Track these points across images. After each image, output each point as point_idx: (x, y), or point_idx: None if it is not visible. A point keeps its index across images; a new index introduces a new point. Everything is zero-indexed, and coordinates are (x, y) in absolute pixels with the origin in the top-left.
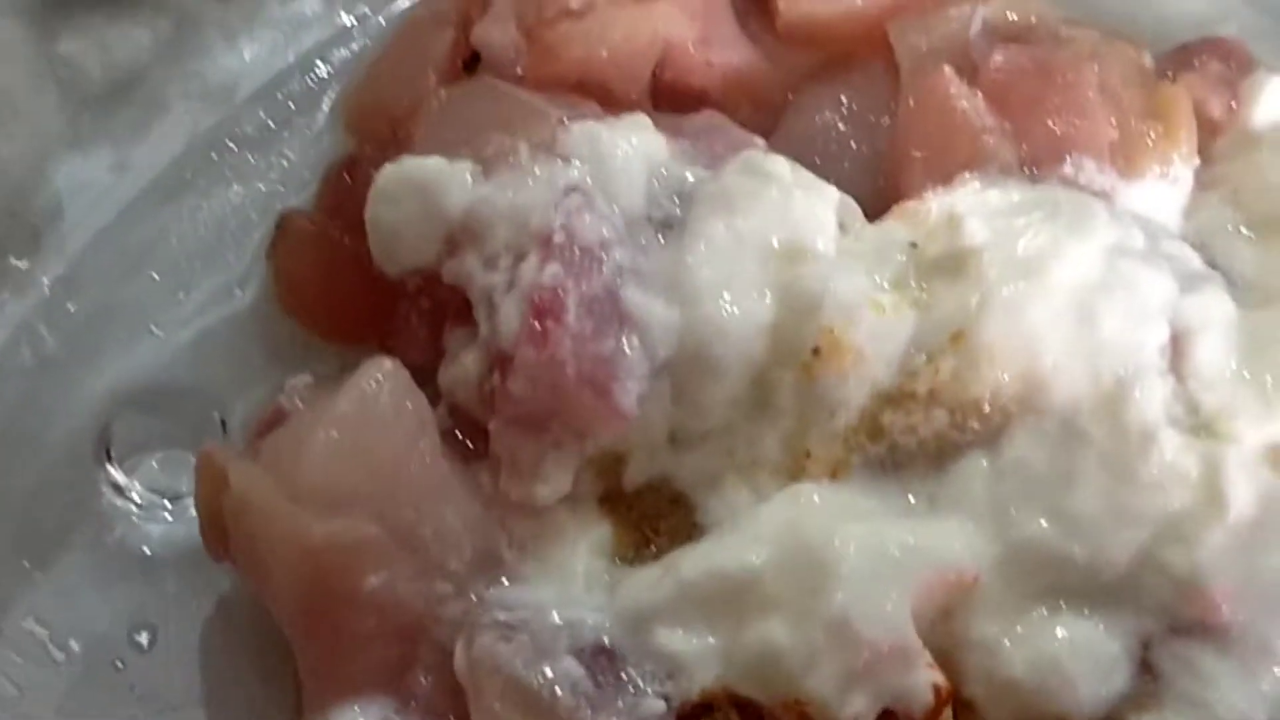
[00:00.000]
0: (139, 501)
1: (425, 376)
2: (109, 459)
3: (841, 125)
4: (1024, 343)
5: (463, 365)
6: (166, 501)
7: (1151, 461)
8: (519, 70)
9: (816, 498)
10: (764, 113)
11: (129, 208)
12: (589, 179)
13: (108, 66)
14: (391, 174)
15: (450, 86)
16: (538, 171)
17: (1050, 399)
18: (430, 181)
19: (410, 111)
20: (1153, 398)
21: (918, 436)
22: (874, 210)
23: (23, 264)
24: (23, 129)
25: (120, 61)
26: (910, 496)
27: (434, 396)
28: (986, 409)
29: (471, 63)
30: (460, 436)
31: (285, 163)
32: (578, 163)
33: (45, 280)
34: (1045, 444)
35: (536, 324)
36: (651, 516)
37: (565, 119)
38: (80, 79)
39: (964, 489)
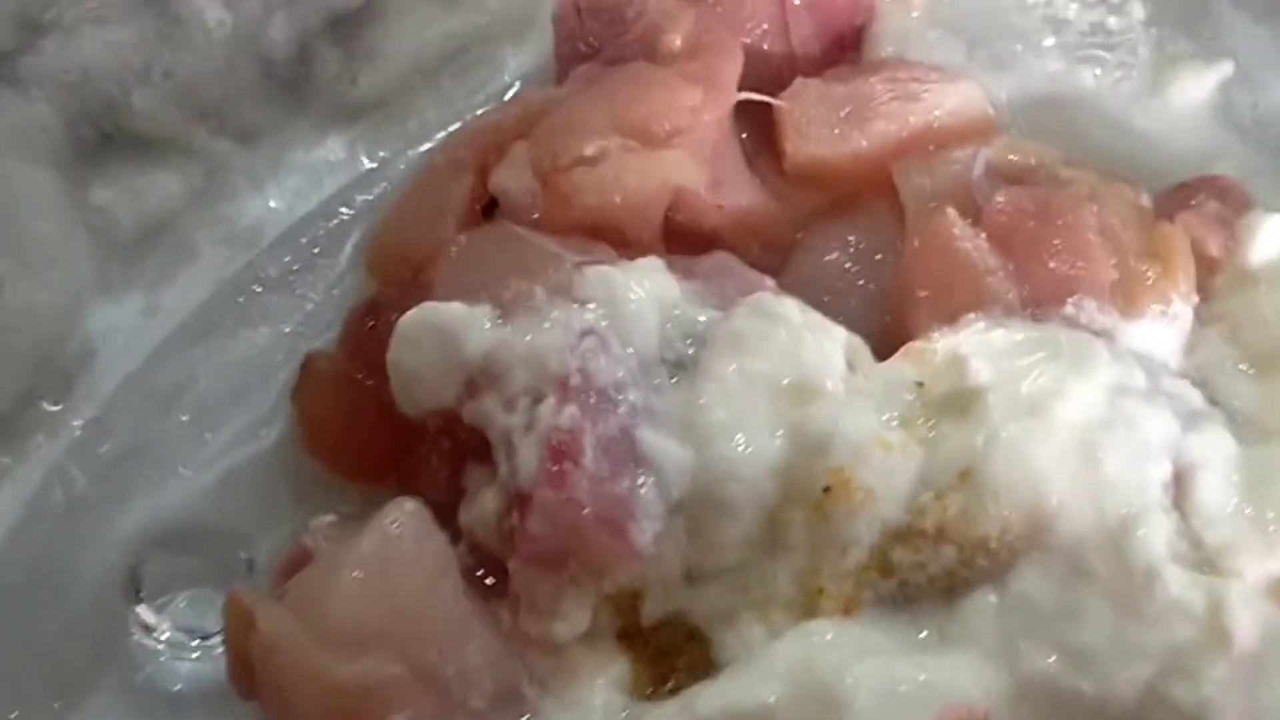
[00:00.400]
0: (167, 640)
1: (446, 515)
2: (138, 599)
3: (849, 264)
4: (1029, 481)
5: (482, 504)
6: (194, 640)
7: (1156, 597)
8: (535, 215)
9: (829, 634)
10: (773, 252)
11: (158, 351)
12: (604, 322)
13: (138, 214)
14: (412, 319)
15: (469, 231)
16: (554, 315)
17: (1056, 536)
18: (450, 326)
19: (430, 256)
20: (1156, 534)
21: (927, 573)
22: (881, 346)
23: (55, 407)
24: (56, 276)
25: (150, 209)
26: (921, 631)
27: (455, 534)
28: (994, 545)
29: (489, 208)
30: (481, 574)
31: (309, 305)
32: (593, 306)
33: (77, 423)
34: (1052, 580)
35: (554, 465)
36: (669, 652)
37: (580, 263)
38: (111, 226)
39: (973, 624)
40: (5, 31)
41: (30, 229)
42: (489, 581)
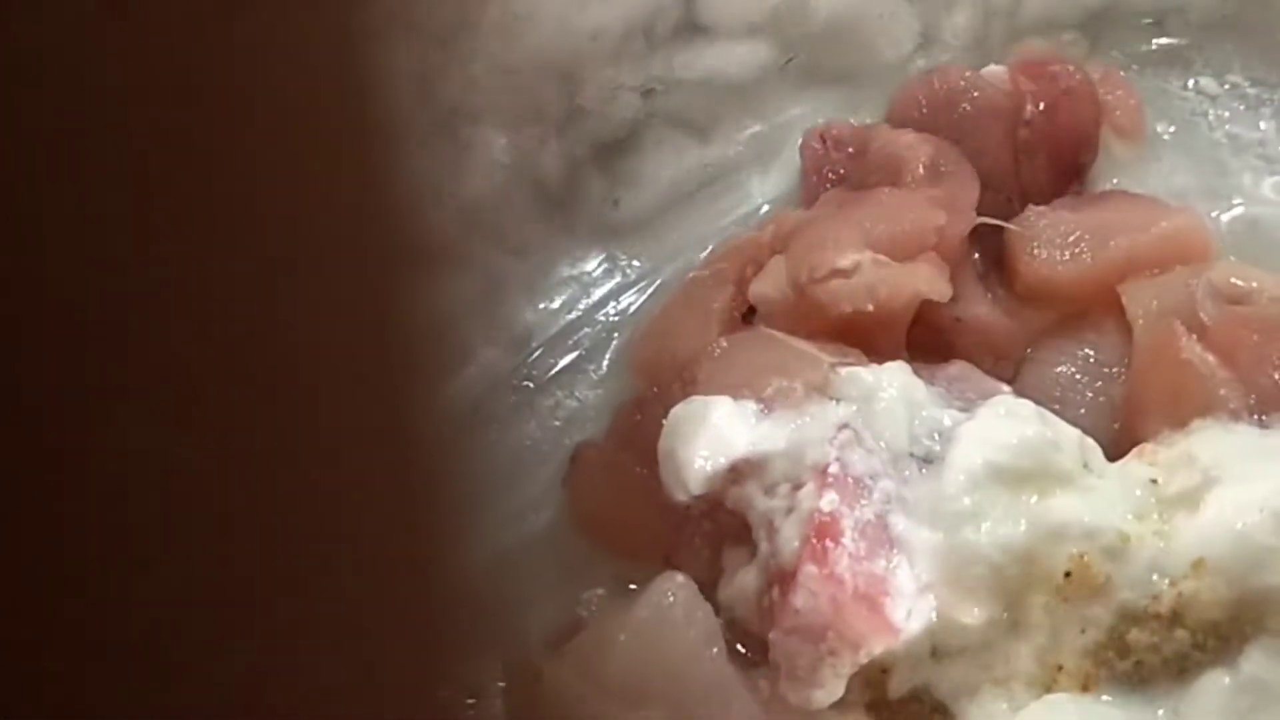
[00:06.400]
0: None
1: (705, 592)
2: None
3: (1078, 375)
4: (1258, 570)
5: (741, 582)
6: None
7: None
8: (791, 321)
9: (1070, 709)
10: (1004, 364)
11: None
12: (858, 418)
13: (426, 318)
14: (683, 411)
15: (730, 335)
16: (812, 410)
17: None
18: (717, 418)
19: (694, 357)
20: None
21: (1162, 654)
22: (1109, 450)
23: None
24: None
25: (435, 314)
26: (1158, 710)
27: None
28: (1224, 630)
29: (748, 315)
30: (739, 647)
31: (573, 403)
32: (847, 403)
33: None
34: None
35: (818, 543)
36: None
37: (835, 364)
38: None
39: (1207, 704)
40: None
41: None
42: (745, 654)
